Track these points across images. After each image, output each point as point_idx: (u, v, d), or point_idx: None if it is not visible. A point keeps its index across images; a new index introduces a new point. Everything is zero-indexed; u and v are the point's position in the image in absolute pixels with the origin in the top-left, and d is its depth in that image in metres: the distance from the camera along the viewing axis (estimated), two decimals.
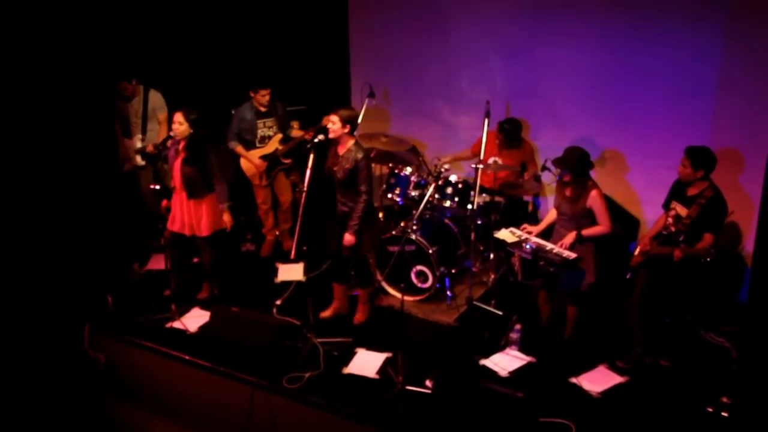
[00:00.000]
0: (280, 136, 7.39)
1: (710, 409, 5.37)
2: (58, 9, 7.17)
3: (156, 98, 7.56)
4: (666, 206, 5.76)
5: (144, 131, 7.53)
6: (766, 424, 4.96)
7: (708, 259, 5.26)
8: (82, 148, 7.71)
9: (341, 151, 6.06)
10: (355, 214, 6.07)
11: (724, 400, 5.36)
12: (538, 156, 7.43)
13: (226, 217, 6.57)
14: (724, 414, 5.31)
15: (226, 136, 7.44)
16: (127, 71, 7.41)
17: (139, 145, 7.57)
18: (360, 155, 5.99)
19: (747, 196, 6.48)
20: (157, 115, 7.51)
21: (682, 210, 5.55)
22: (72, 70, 7.42)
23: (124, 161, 7.70)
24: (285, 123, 7.46)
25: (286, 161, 7.47)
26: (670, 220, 5.62)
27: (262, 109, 7.34)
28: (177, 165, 6.47)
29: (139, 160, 7.59)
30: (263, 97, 7.25)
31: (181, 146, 6.46)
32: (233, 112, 7.56)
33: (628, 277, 5.84)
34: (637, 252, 5.69)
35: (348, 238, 6.12)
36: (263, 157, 7.42)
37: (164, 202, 6.73)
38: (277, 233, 7.93)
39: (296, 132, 7.55)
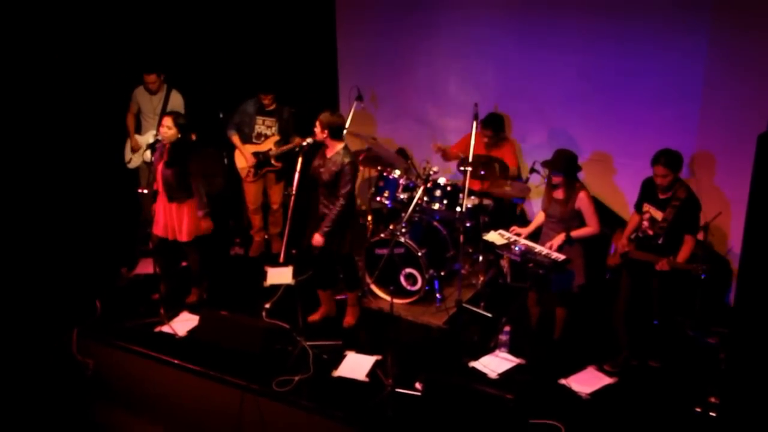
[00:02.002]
0: (277, 137, 7.40)
1: (698, 410, 5.39)
2: (61, 8, 7.23)
3: (176, 99, 7.68)
4: (638, 208, 5.77)
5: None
6: (753, 423, 4.99)
7: (702, 275, 5.28)
8: (79, 152, 7.74)
9: (329, 154, 6.08)
10: (329, 217, 6.06)
11: (713, 400, 5.39)
12: (522, 157, 7.46)
13: (205, 224, 6.55)
14: (713, 414, 5.33)
15: (227, 124, 7.52)
16: (154, 64, 7.54)
17: (151, 140, 7.60)
18: (347, 159, 6.01)
19: (734, 198, 6.51)
20: None
21: (656, 213, 5.55)
22: (73, 68, 7.48)
23: (131, 157, 7.76)
24: (288, 128, 7.45)
25: (277, 164, 7.46)
26: (645, 223, 5.62)
27: (266, 108, 7.38)
28: (159, 168, 6.47)
29: (148, 155, 7.62)
30: (264, 99, 7.33)
31: (166, 149, 6.45)
32: (221, 116, 7.56)
33: (607, 277, 5.86)
34: (614, 252, 5.71)
35: (317, 239, 6.10)
36: (255, 154, 7.43)
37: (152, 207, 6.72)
38: (266, 236, 7.93)
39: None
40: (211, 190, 7.27)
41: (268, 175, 7.59)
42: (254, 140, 7.46)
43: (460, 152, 7.18)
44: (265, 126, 7.43)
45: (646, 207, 5.65)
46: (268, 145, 7.43)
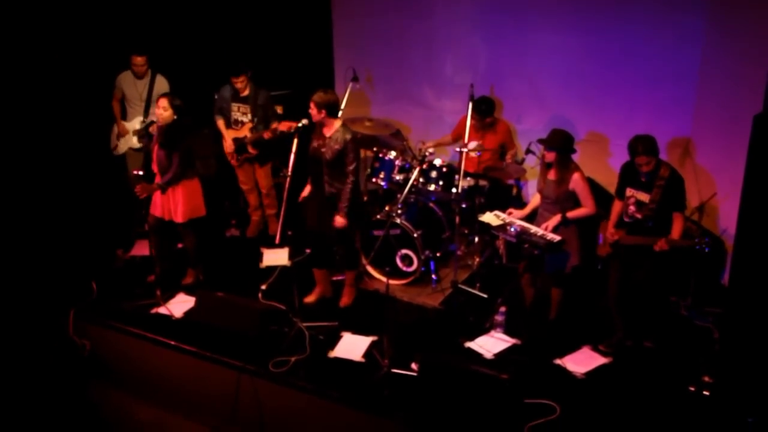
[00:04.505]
0: (250, 124, 7.34)
1: (692, 389, 5.42)
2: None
3: (162, 83, 7.61)
4: (620, 194, 5.68)
5: (146, 114, 7.58)
6: (746, 402, 5.03)
7: (706, 249, 5.24)
8: (70, 134, 7.71)
9: (328, 132, 6.06)
10: (344, 196, 6.07)
11: (706, 379, 5.42)
12: (517, 138, 7.46)
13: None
14: (706, 393, 5.37)
15: (213, 110, 7.51)
16: (142, 46, 7.47)
17: (137, 126, 7.62)
18: (349, 136, 6.00)
19: (729, 179, 6.52)
20: None
21: (643, 196, 5.48)
22: (58, 55, 7.43)
23: (117, 144, 7.72)
24: (265, 112, 7.37)
25: (252, 151, 7.41)
26: (632, 207, 5.56)
27: (240, 94, 7.32)
28: (155, 149, 6.46)
29: (135, 141, 7.61)
30: (236, 83, 7.23)
31: (161, 131, 6.44)
32: (216, 96, 7.53)
33: (599, 268, 5.85)
34: (603, 242, 5.70)
35: (339, 220, 6.12)
36: (234, 140, 7.42)
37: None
38: (265, 215, 7.91)
39: (283, 125, 7.43)
40: (205, 172, 7.26)
41: (243, 160, 7.56)
42: (233, 126, 7.43)
43: (457, 136, 7.19)
44: (240, 113, 7.37)
45: (630, 192, 5.57)
46: (245, 132, 7.38)
